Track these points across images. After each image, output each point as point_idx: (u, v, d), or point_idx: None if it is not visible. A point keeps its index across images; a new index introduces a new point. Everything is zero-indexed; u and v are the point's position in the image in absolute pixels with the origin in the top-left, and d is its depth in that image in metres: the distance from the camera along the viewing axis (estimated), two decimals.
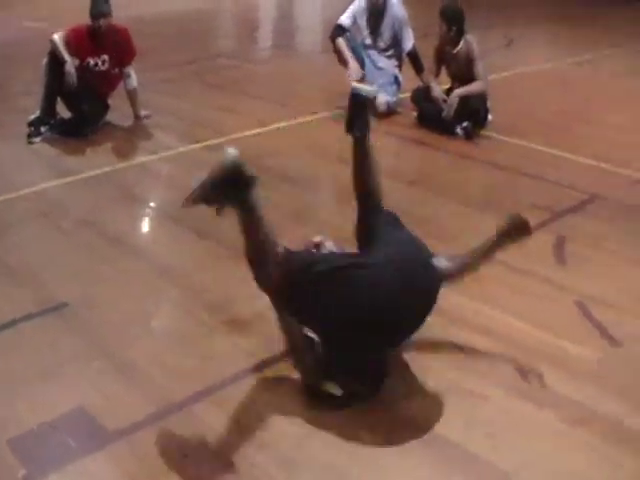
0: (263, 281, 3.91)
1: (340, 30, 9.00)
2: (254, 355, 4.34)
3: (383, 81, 8.91)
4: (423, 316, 3.96)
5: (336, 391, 3.91)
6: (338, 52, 9.01)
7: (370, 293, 3.72)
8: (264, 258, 3.83)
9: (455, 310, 4.75)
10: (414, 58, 9.01)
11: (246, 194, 3.75)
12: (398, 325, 3.88)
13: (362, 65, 8.97)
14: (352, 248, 4.34)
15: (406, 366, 4.28)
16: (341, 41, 8.96)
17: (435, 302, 3.98)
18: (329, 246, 4.32)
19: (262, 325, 4.50)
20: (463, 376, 4.18)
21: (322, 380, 3.97)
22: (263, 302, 4.25)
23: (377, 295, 3.72)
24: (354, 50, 8.98)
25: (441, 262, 4.15)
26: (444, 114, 8.12)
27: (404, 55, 9.07)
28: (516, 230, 4.32)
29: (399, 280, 3.77)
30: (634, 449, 3.65)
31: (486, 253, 4.32)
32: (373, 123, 4.58)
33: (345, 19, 9.04)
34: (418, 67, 8.99)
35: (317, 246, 4.30)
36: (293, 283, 3.81)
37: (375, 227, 4.27)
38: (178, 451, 3.63)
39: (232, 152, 3.75)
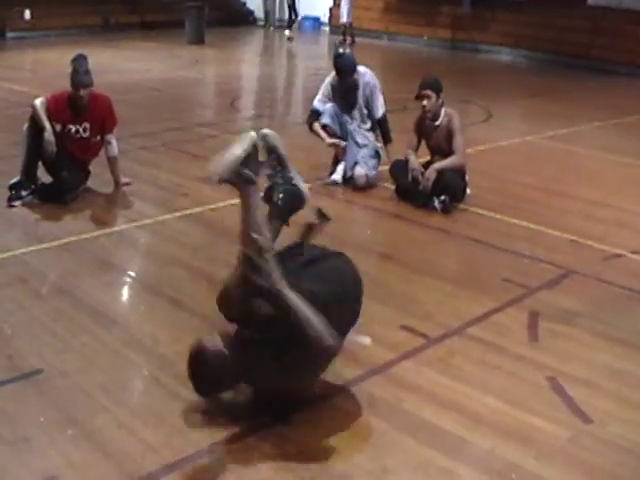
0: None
1: (315, 115, 9.10)
2: (225, 428, 4.34)
3: (363, 154, 8.96)
4: None
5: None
6: (316, 135, 9.12)
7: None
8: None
9: (427, 386, 4.78)
10: (383, 127, 9.13)
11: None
12: None
13: (345, 140, 9.01)
14: None
15: (377, 441, 4.29)
16: (316, 126, 9.08)
17: None
18: None
19: (233, 398, 4.50)
20: (433, 453, 4.18)
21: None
22: None
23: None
24: (341, 126, 9.02)
25: None
26: (421, 187, 8.17)
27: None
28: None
29: None
30: None
31: None
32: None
33: (318, 103, 9.17)
34: (386, 137, 9.13)
35: None
36: None
37: None
38: None
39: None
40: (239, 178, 4.30)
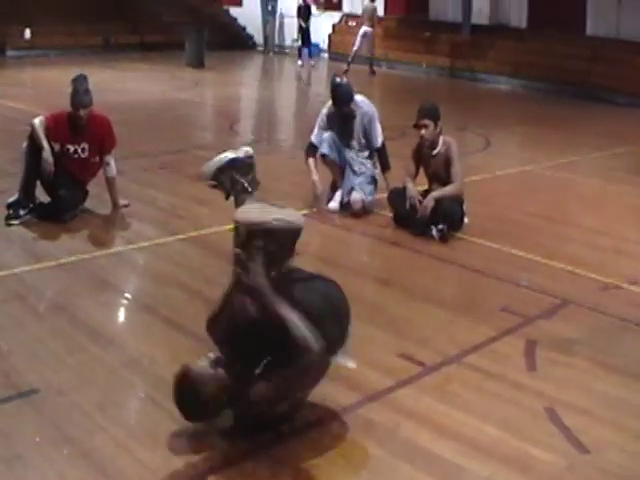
0: None
1: (312, 149, 9.12)
2: (221, 451, 4.33)
3: (360, 181, 8.95)
4: None
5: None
6: (308, 168, 9.15)
7: None
8: None
9: (424, 413, 4.76)
10: (382, 155, 9.14)
11: None
12: None
13: (343, 169, 9.03)
14: None
15: (374, 467, 4.28)
16: (310, 162, 9.12)
17: None
18: None
19: (230, 421, 4.48)
20: None
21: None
22: None
23: None
24: (339, 153, 9.00)
25: None
26: (419, 215, 8.15)
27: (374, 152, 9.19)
28: None
29: None
30: None
31: None
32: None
33: (314, 137, 9.17)
34: (385, 165, 9.14)
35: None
36: None
37: None
38: None
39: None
40: (232, 184, 4.37)
